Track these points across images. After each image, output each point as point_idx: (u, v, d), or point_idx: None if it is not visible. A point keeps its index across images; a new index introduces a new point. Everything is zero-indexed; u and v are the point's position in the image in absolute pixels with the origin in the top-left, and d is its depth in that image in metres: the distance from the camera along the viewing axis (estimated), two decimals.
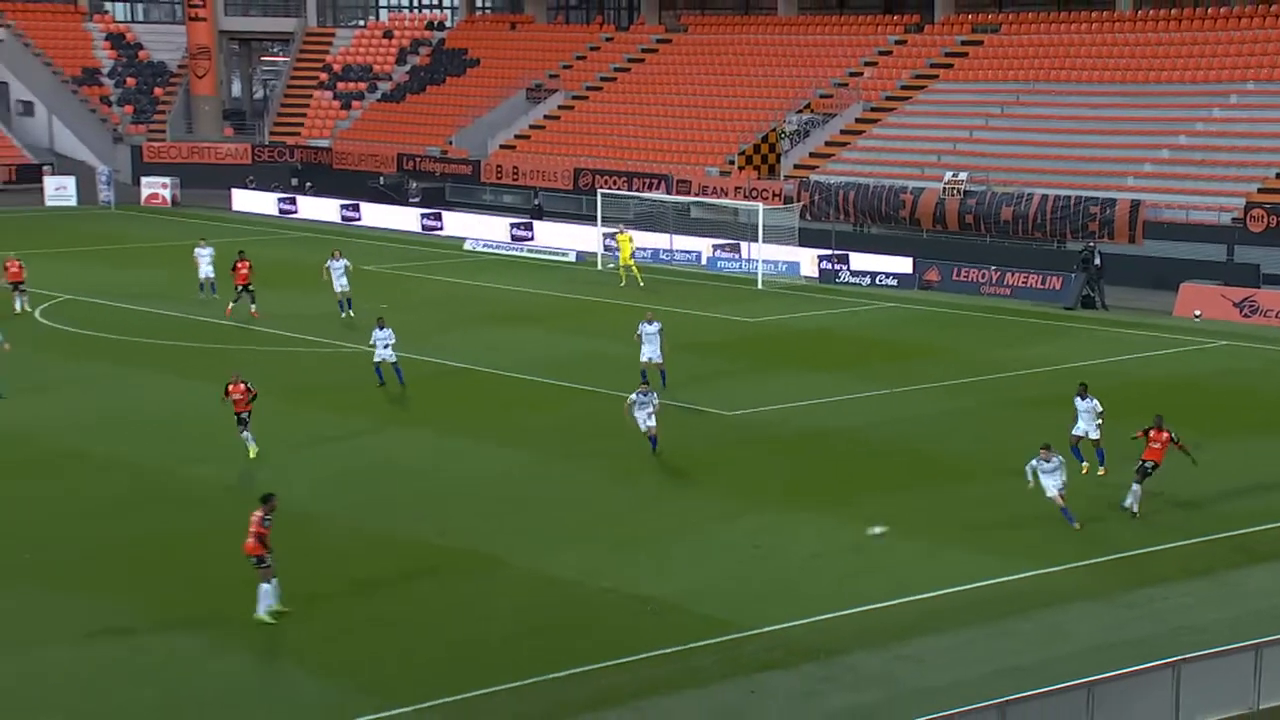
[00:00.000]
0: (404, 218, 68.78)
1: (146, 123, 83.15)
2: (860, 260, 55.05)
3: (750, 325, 46.97)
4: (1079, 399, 29.30)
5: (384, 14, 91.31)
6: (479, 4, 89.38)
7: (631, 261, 53.35)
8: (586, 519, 27.17)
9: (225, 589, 22.81)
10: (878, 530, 25.90)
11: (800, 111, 68.00)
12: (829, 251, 56.02)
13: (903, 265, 54.08)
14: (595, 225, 59.38)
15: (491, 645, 21.26)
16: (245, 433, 29.95)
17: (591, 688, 19.85)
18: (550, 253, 60.71)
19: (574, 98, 76.77)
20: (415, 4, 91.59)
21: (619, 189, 64.35)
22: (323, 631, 21.68)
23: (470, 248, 62.57)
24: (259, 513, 21.95)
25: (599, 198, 60.33)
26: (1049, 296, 50.37)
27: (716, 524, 26.76)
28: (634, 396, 30.48)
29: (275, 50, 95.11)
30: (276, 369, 38.77)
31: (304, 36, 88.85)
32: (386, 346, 35.48)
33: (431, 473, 29.78)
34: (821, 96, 68.59)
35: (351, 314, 44.49)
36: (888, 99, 66.73)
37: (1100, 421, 28.86)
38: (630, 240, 54.26)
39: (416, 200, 71.70)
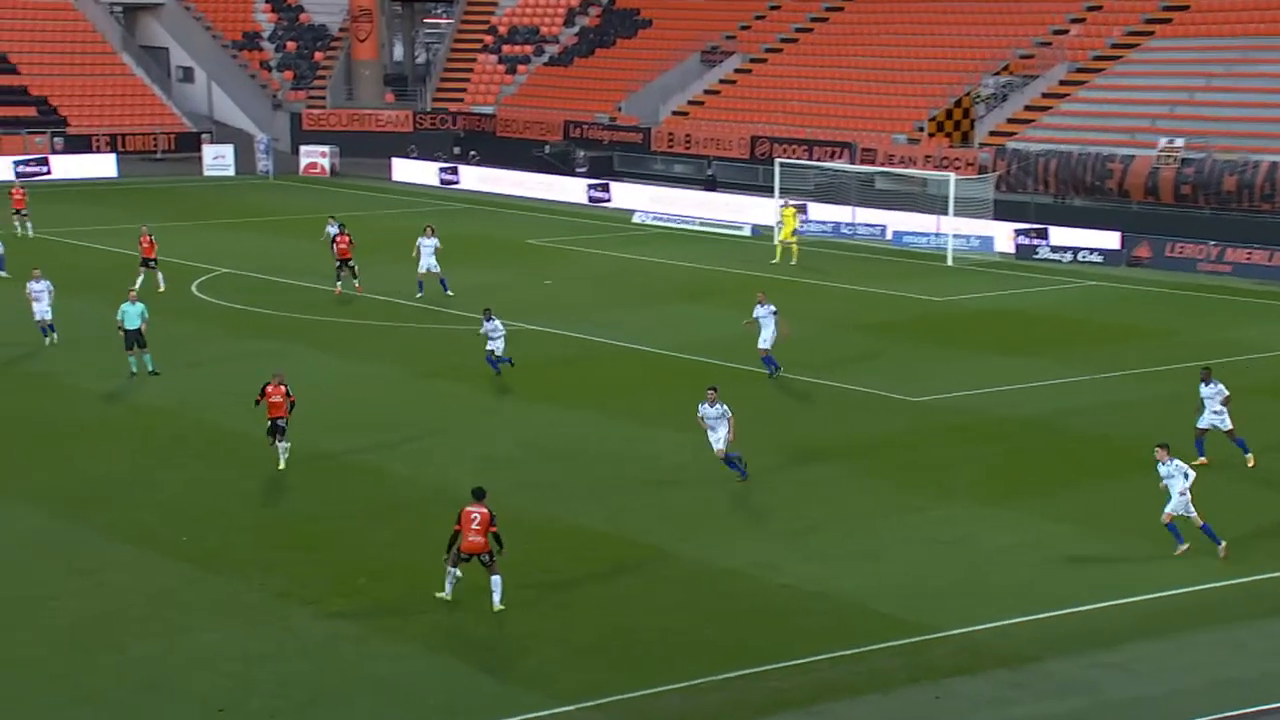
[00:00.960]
0: (570, 189, 69.17)
1: (306, 89, 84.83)
2: (1061, 235, 53.85)
3: (938, 304, 46.26)
4: (1203, 385, 28.35)
5: None
6: None
7: (793, 238, 52.70)
8: (759, 509, 26.97)
9: (383, 572, 23.11)
10: None
11: (998, 73, 66.73)
12: (1027, 225, 54.90)
13: (1109, 240, 52.79)
14: (772, 197, 58.98)
15: (659, 641, 21.19)
16: (281, 443, 28.20)
17: (765, 689, 19.67)
18: (724, 226, 60.50)
19: (752, 60, 76.34)
20: None
21: (798, 158, 63.82)
22: (487, 623, 21.80)
23: (639, 220, 62.67)
24: (483, 509, 21.94)
25: (776, 168, 59.92)
26: (1277, 275, 48.73)
27: (899, 516, 26.36)
28: (703, 408, 27.87)
29: (439, 11, 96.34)
30: (428, 347, 39.27)
31: None
32: (498, 338, 35.13)
33: (596, 458, 29.82)
34: (1022, 57, 67.22)
35: (450, 293, 44.29)
36: (1096, 59, 65.06)
37: (1228, 408, 27.84)
38: (794, 215, 53.59)
39: (583, 170, 72.05)
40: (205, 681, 19.66)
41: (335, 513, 26.37)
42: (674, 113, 75.02)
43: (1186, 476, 24.03)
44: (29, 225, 54.62)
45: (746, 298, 45.87)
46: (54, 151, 73.80)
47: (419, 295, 44.37)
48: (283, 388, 28.11)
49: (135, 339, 34.71)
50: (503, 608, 21.85)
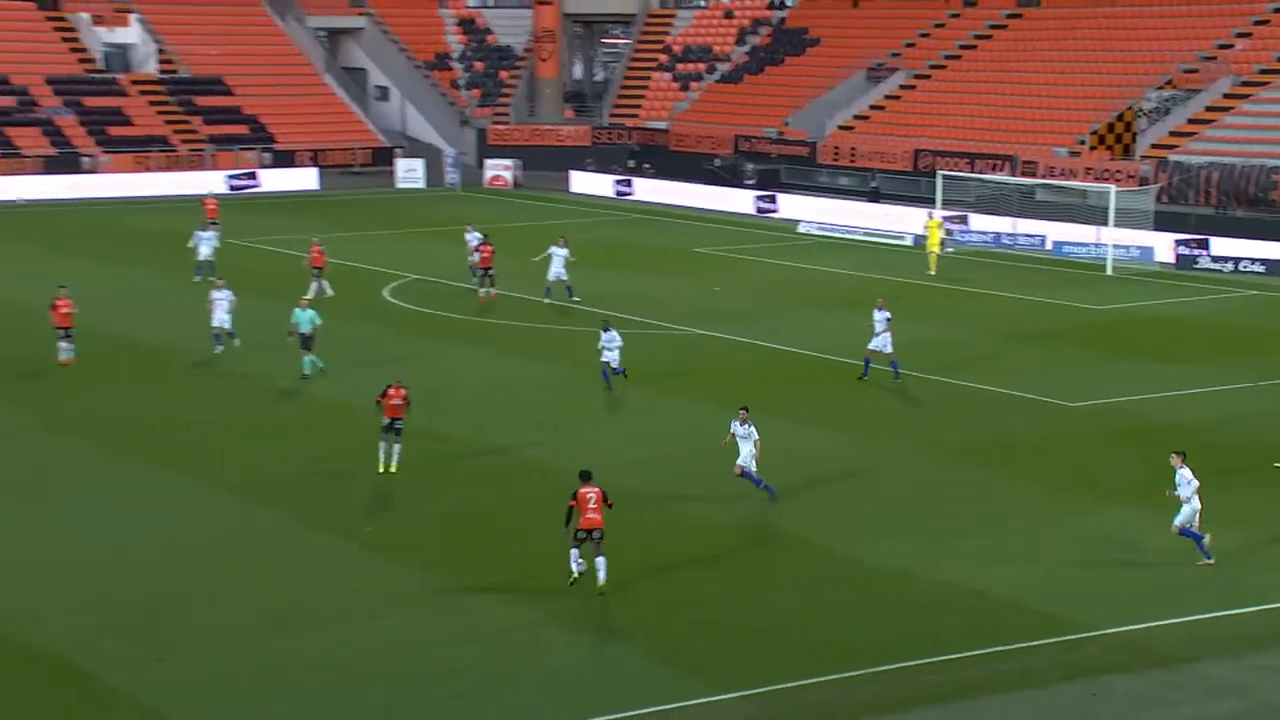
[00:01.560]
0: (739, 200, 68.85)
1: (492, 106, 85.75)
2: (1222, 245, 52.13)
3: (1097, 312, 45.02)
4: None
5: None
6: None
7: (936, 248, 51.61)
8: (914, 509, 26.39)
9: (550, 562, 23.07)
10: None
11: (1160, 88, 64.85)
12: (1187, 236, 53.20)
13: (1272, 250, 50.93)
14: (934, 208, 57.99)
15: (814, 635, 20.85)
16: (396, 444, 27.79)
17: (918, 684, 19.25)
18: (886, 235, 59.65)
19: (916, 77, 75.28)
20: None
21: (960, 171, 62.75)
22: (649, 612, 21.66)
23: (804, 230, 62.10)
24: (596, 489, 21.97)
25: (939, 180, 58.87)
26: None
27: (1053, 518, 25.64)
28: (734, 425, 26.66)
29: (617, 32, 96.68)
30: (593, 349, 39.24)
31: (645, 18, 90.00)
32: (614, 349, 33.92)
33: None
34: (1185, 71, 65.23)
35: (577, 299, 43.85)
36: (1262, 72, 62.87)
37: None
38: (939, 226, 52.46)
39: (751, 182, 71.65)
40: (390, 664, 19.77)
41: (508, 506, 26.42)
42: (840, 127, 74.26)
43: (1190, 484, 23.06)
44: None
45: (905, 304, 45.18)
46: (262, 166, 75.56)
47: (546, 300, 44.10)
48: (403, 390, 27.90)
49: (306, 342, 34.94)
50: (606, 587, 21.72)
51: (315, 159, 77.17)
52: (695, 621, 21.32)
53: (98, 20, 79.63)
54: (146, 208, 65.49)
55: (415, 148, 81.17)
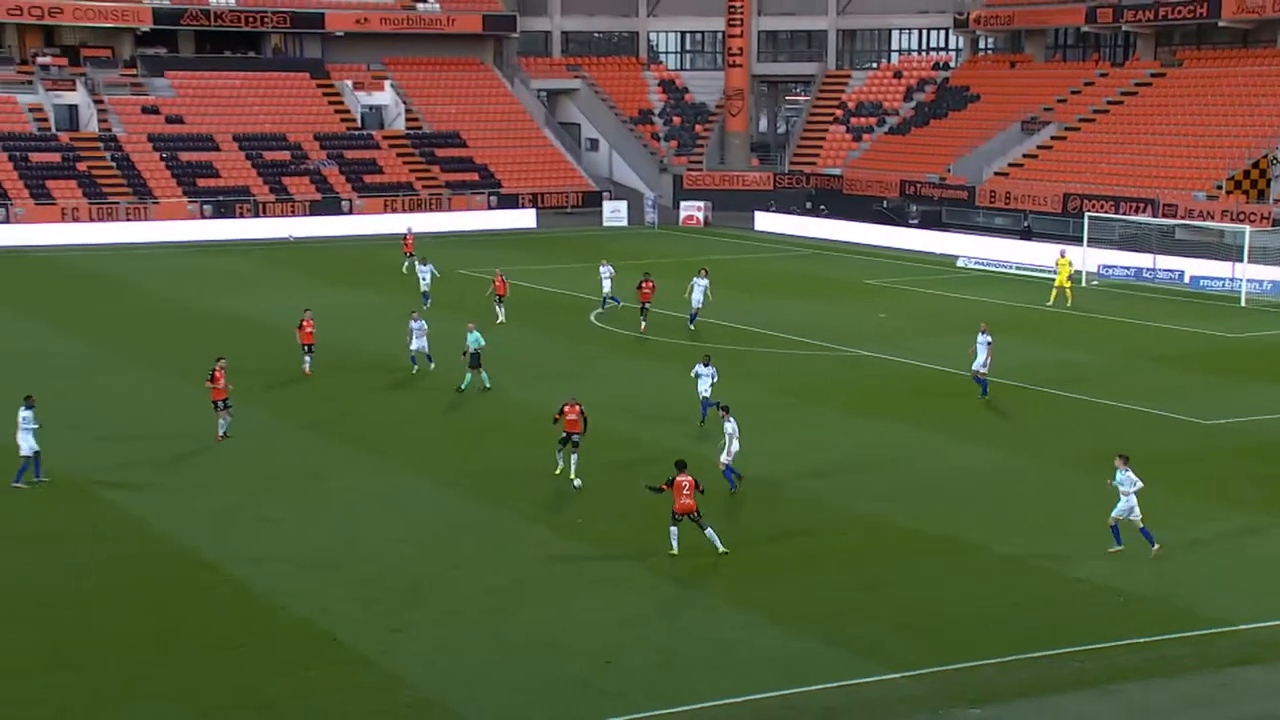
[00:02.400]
0: (904, 237, 67.95)
1: (687, 155, 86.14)
2: None
3: (1231, 340, 43.36)
4: None
5: (895, 57, 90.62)
6: (982, 46, 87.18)
7: (1068, 284, 49.93)
8: (1059, 512, 25.75)
9: (730, 553, 23.10)
10: None
11: None
12: None
13: None
14: (1081, 245, 56.48)
15: (973, 623, 20.52)
16: (573, 455, 27.45)
17: (1067, 669, 18.82)
18: (1037, 270, 58.27)
19: (1066, 129, 73.45)
20: (924, 47, 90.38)
21: (1106, 212, 60.99)
22: (822, 599, 21.54)
23: (962, 265, 61.02)
24: (689, 477, 22.96)
25: (1085, 220, 57.30)
26: None
27: (1188, 522, 24.80)
28: (730, 427, 26.43)
29: (798, 90, 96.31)
30: (780, 368, 39.16)
31: (824, 78, 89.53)
32: (709, 382, 31.74)
33: (913, 464, 29.06)
34: None
35: (691, 327, 43.25)
36: None
37: None
38: (1069, 264, 50.79)
39: (915, 222, 70.69)
40: (593, 639, 19.96)
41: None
42: (996, 173, 72.84)
43: (1133, 484, 22.64)
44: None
45: (1050, 333, 44.19)
46: (489, 208, 77.08)
47: (690, 327, 43.26)
48: (578, 407, 27.74)
49: (474, 360, 34.94)
50: (726, 550, 22.73)
51: (534, 201, 78.45)
52: (865, 609, 21.15)
53: (358, 86, 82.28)
54: (391, 244, 67.33)
55: (619, 191, 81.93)
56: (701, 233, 74.24)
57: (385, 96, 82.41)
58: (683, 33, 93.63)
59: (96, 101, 75.43)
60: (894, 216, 71.91)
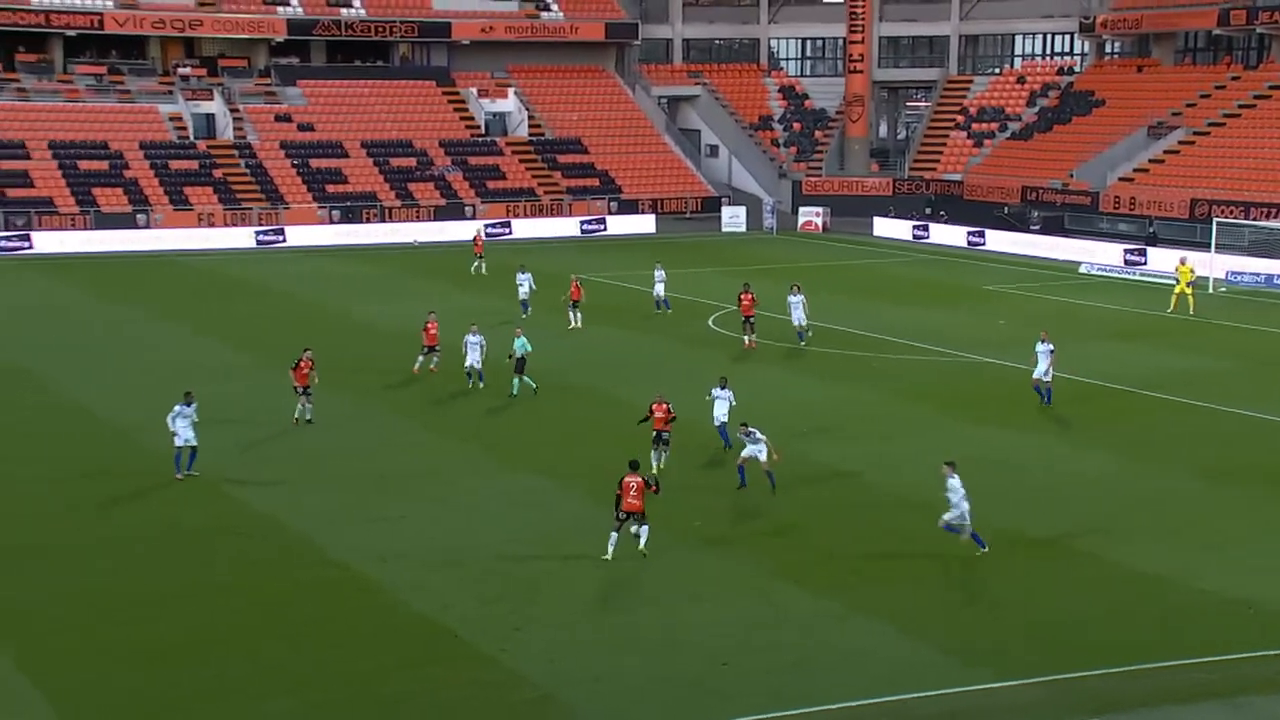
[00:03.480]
0: (1026, 243, 66.88)
1: (806, 161, 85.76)
2: None
3: None
4: None
5: (1018, 62, 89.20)
6: (1108, 50, 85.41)
7: (1188, 290, 48.51)
8: (1178, 522, 25.19)
9: (847, 561, 22.95)
10: None
11: None
12: None
13: None
14: (1209, 252, 55.06)
15: (1091, 632, 20.22)
16: (664, 452, 27.84)
17: (1190, 680, 18.43)
18: (1161, 277, 56.92)
19: (1195, 133, 71.64)
20: (1048, 52, 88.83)
21: (1235, 218, 59.34)
22: (939, 606, 21.38)
23: (1085, 271, 59.85)
24: (639, 478, 23.01)
25: (1214, 226, 55.84)
26: None
27: None
28: (748, 445, 26.39)
29: (918, 96, 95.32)
30: (899, 374, 38.82)
31: (945, 84, 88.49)
32: (725, 407, 29.78)
33: (1029, 471, 28.64)
34: None
35: (802, 343, 41.99)
36: None
37: None
38: (1191, 271, 49.41)
39: (1037, 228, 69.51)
40: (712, 640, 19.99)
41: (814, 506, 26.36)
42: (1120, 179, 71.34)
43: (956, 491, 22.54)
44: (483, 266, 57.15)
45: (1171, 339, 43.11)
46: (610, 213, 77.54)
47: (803, 343, 42.08)
48: (665, 405, 28.06)
49: (519, 365, 34.77)
50: (646, 552, 22.76)
51: (654, 207, 78.73)
52: (980, 616, 20.94)
53: (482, 93, 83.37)
54: (511, 247, 68.07)
55: (738, 197, 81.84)
56: (820, 238, 73.84)
57: (509, 103, 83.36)
58: (803, 39, 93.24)
59: (232, 110, 77.49)
60: (1015, 222, 70.79)
